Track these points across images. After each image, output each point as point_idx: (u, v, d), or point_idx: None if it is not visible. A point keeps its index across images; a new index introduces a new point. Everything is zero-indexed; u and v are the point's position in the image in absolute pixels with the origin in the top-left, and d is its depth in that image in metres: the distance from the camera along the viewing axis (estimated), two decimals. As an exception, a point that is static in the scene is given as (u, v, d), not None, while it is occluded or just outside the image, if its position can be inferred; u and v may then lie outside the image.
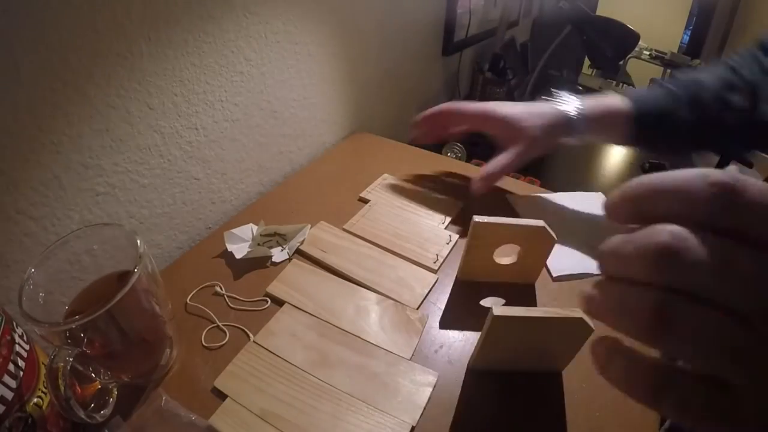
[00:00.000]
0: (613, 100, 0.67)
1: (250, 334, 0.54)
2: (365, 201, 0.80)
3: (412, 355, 0.54)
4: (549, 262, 0.66)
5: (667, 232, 0.19)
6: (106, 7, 0.50)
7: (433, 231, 0.73)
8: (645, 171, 1.42)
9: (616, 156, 1.67)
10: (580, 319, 0.44)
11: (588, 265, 0.67)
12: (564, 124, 0.63)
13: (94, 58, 0.51)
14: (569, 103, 0.64)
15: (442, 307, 0.60)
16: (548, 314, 0.44)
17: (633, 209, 0.23)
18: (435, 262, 0.67)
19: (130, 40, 0.54)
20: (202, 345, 0.53)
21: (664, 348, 0.20)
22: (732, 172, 0.19)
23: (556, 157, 1.52)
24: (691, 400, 0.20)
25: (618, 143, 0.69)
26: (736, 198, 0.19)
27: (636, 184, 0.22)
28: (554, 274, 0.66)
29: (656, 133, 0.66)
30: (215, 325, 0.56)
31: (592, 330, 0.44)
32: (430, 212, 0.78)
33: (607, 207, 0.24)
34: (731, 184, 0.19)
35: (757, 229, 0.19)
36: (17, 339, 0.37)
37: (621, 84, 3.96)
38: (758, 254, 0.18)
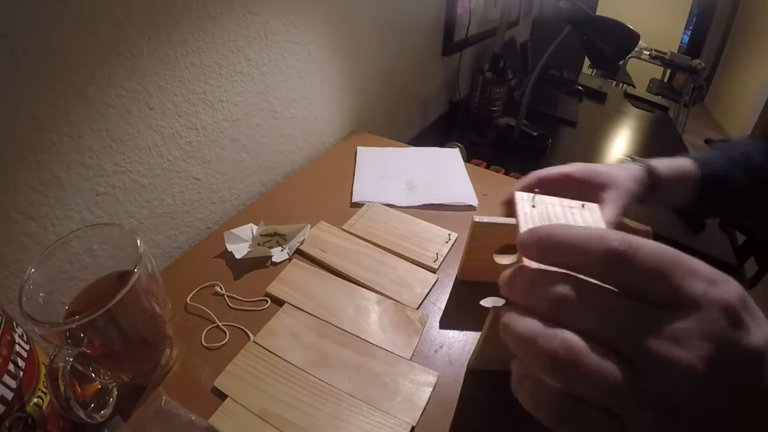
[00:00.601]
0: (683, 162, 0.69)
1: (250, 334, 0.54)
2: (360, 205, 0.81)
3: (412, 355, 0.54)
4: (354, 188, 0.84)
5: (560, 341, 0.23)
6: (106, 7, 0.50)
7: (432, 230, 0.73)
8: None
9: (616, 157, 1.67)
10: None
11: (390, 197, 0.82)
12: (646, 177, 0.64)
13: (95, 58, 0.51)
14: (646, 164, 0.66)
15: (442, 307, 0.60)
16: None
17: (540, 253, 0.28)
18: (435, 261, 0.67)
19: (131, 40, 0.54)
20: (202, 345, 0.53)
21: (565, 384, 0.24)
22: (627, 236, 0.24)
23: (555, 158, 1.52)
24: (588, 428, 0.23)
25: (684, 204, 0.72)
26: (626, 264, 0.23)
27: (545, 233, 0.27)
28: (354, 200, 0.81)
29: (717, 196, 0.69)
30: (215, 325, 0.56)
31: None
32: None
33: (520, 242, 0.30)
34: (623, 252, 0.23)
35: (640, 289, 0.23)
36: (17, 339, 0.37)
37: (621, 84, 3.96)
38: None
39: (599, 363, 0.22)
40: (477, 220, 0.56)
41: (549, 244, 0.27)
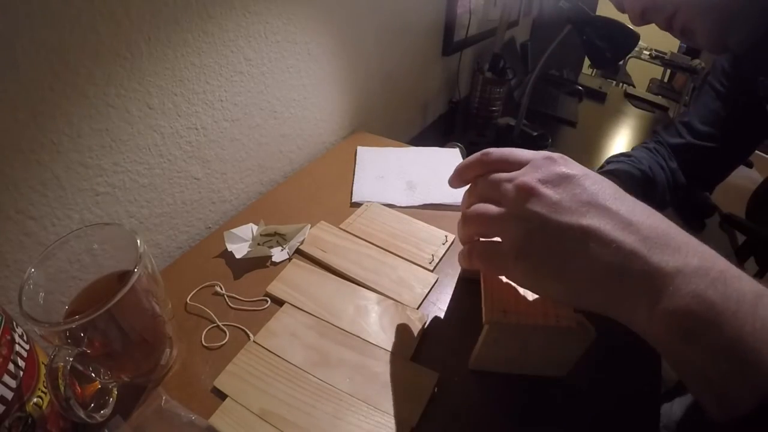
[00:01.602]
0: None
1: (250, 334, 0.54)
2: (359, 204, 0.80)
3: (412, 355, 0.54)
4: (354, 188, 0.85)
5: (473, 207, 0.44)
6: (106, 7, 0.50)
7: (429, 231, 0.74)
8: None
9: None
10: (579, 326, 0.43)
11: (390, 196, 0.83)
12: None
13: (94, 57, 0.51)
14: None
15: (443, 307, 0.60)
16: (546, 323, 0.42)
17: (460, 177, 0.48)
18: (430, 263, 0.67)
19: (130, 39, 0.54)
20: (202, 345, 0.53)
21: (468, 228, 0.45)
22: (489, 149, 0.45)
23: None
24: (480, 250, 0.43)
25: None
26: (486, 160, 0.44)
27: (459, 164, 0.47)
28: (354, 200, 0.82)
29: None
30: (215, 324, 0.56)
31: (594, 335, 0.43)
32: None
33: (450, 180, 0.49)
34: (484, 155, 0.44)
35: (496, 167, 0.43)
36: (17, 339, 0.37)
37: (621, 84, 3.95)
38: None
39: (486, 208, 0.41)
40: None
41: (462, 168, 0.47)
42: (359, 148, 0.99)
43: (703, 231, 1.28)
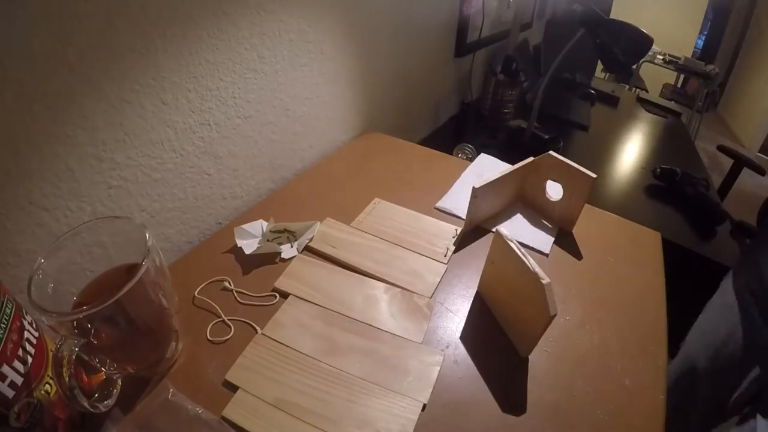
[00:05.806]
0: None
1: (258, 328, 0.55)
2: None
3: (423, 339, 0.55)
4: (447, 193, 0.84)
5: None
6: (122, 3, 0.50)
7: (438, 226, 0.74)
8: (656, 176, 1.41)
9: (627, 162, 1.66)
10: (549, 291, 0.46)
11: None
12: None
13: (110, 52, 0.51)
14: None
15: (450, 307, 0.60)
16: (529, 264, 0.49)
17: None
18: (445, 255, 0.68)
19: (146, 36, 0.54)
20: (207, 339, 0.54)
21: None
22: None
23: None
24: None
25: None
26: None
27: None
28: (437, 205, 0.80)
29: None
30: (221, 319, 0.56)
31: (551, 317, 0.46)
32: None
33: None
34: None
35: None
36: (27, 326, 0.37)
37: (634, 88, 3.92)
38: None
39: None
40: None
41: None
42: (482, 155, 0.99)
43: (714, 239, 1.27)
